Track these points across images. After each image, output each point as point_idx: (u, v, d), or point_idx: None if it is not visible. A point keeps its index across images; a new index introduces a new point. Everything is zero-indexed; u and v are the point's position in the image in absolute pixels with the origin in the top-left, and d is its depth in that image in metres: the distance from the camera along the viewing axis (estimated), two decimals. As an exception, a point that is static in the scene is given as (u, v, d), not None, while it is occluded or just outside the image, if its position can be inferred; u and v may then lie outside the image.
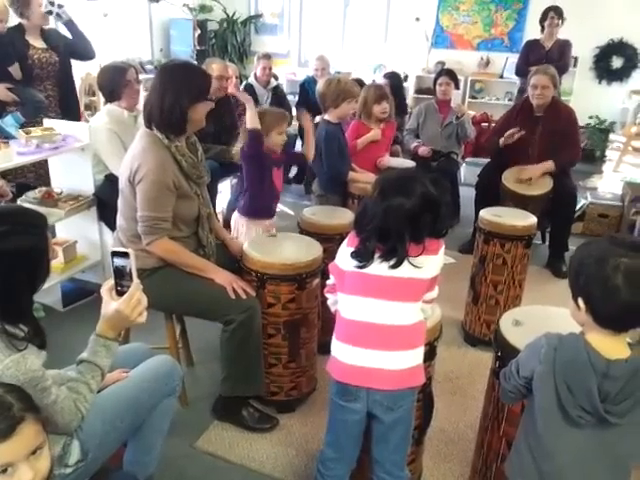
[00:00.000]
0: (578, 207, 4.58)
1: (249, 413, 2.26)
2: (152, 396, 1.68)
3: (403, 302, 1.53)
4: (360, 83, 4.20)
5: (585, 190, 5.04)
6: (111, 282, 1.47)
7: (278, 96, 5.33)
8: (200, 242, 2.20)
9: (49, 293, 3.01)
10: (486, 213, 2.81)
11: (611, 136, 5.93)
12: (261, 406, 2.31)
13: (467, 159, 5.68)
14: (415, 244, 1.53)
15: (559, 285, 3.68)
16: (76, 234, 3.17)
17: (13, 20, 3.45)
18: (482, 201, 3.76)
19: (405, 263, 1.52)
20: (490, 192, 3.76)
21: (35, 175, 3.38)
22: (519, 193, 3.58)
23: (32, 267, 1.33)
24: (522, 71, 5.16)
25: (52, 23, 3.79)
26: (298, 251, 2.23)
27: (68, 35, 3.71)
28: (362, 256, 1.55)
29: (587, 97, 6.77)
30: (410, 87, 7.36)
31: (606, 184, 5.22)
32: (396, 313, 1.52)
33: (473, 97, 7.30)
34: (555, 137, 3.72)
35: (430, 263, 1.55)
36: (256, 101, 5.14)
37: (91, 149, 2.99)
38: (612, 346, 1.22)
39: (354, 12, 7.70)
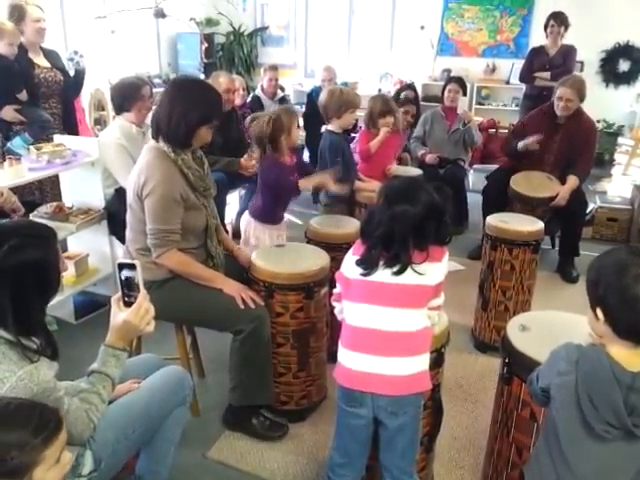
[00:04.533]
0: (587, 211, 4.58)
1: (259, 422, 2.27)
2: (163, 406, 1.71)
3: (407, 309, 1.55)
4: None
5: (594, 194, 5.03)
6: (119, 293, 1.50)
7: (285, 107, 5.38)
8: (209, 253, 2.23)
9: (62, 306, 3.05)
10: (493, 219, 2.82)
11: (619, 139, 5.91)
12: (271, 415, 2.33)
13: (475, 166, 5.68)
14: (419, 251, 1.55)
15: (569, 290, 3.67)
16: (87, 247, 3.22)
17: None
18: (490, 207, 3.77)
19: (409, 270, 1.54)
20: (498, 198, 3.77)
21: (40, 192, 3.43)
22: (528, 196, 3.58)
23: (43, 280, 1.36)
24: (525, 77, 5.17)
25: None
26: (305, 261, 2.25)
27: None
28: (367, 264, 1.57)
29: (594, 101, 6.67)
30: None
31: (615, 188, 5.20)
32: (400, 319, 1.54)
33: (480, 103, 7.30)
34: (573, 147, 3.72)
35: (434, 270, 1.57)
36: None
37: (101, 163, 3.03)
38: (634, 358, 1.20)
39: (359, 21, 7.76)
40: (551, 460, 1.32)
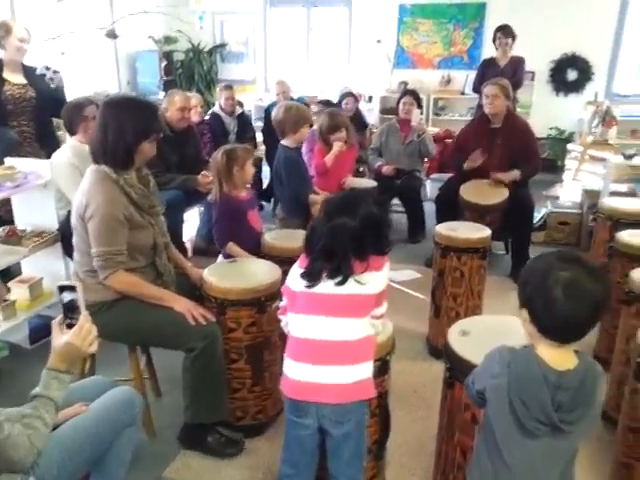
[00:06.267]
0: (540, 216, 4.73)
1: (215, 439, 2.27)
2: (112, 427, 1.70)
3: (350, 318, 1.59)
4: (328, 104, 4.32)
5: (547, 199, 5.19)
6: (60, 316, 1.51)
7: (244, 123, 5.43)
8: (158, 271, 2.24)
9: (16, 331, 3.00)
10: (441, 228, 2.90)
11: (569, 146, 6.12)
12: (227, 431, 2.33)
13: (432, 175, 5.81)
14: (359, 261, 1.60)
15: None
16: (42, 270, 3.18)
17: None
18: (443, 215, 3.87)
19: (350, 280, 1.58)
20: (450, 206, 3.87)
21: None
22: (477, 204, 3.69)
23: None
24: (478, 88, 5.32)
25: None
26: (257, 275, 2.28)
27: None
28: (311, 276, 1.61)
29: (546, 109, 6.98)
30: (375, 107, 7.52)
31: (567, 193, 5.37)
32: (342, 329, 1.58)
33: (436, 114, 7.47)
34: (513, 149, 3.87)
35: (375, 279, 1.62)
36: (224, 129, 5.25)
37: (53, 185, 3.02)
38: (560, 357, 1.25)
39: (317, 37, 7.88)
40: (489, 459, 1.37)
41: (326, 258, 1.59)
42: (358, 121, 5.55)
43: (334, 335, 1.58)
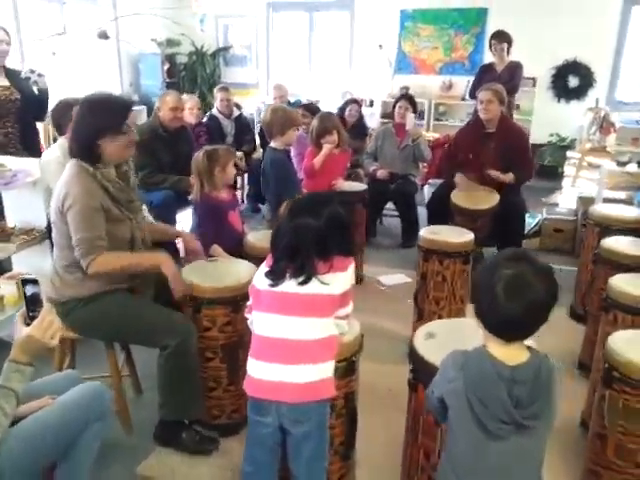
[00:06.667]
0: (534, 223, 4.72)
1: (190, 436, 2.28)
2: (77, 421, 1.72)
3: (311, 317, 1.60)
4: (311, 109, 4.34)
5: (545, 206, 5.18)
6: (23, 309, 1.53)
7: (242, 125, 5.46)
8: (131, 275, 2.22)
9: (3, 326, 3.04)
10: (425, 232, 2.90)
11: (568, 153, 6.11)
12: (203, 429, 2.34)
13: (430, 180, 5.81)
14: (323, 262, 1.61)
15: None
16: (32, 267, 3.21)
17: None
18: (434, 220, 3.88)
19: (314, 280, 1.59)
20: (441, 211, 3.88)
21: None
22: (467, 208, 3.69)
23: None
24: (474, 94, 5.33)
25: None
26: (233, 275, 2.29)
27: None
28: (274, 275, 1.63)
29: (547, 115, 6.98)
30: (376, 112, 7.53)
31: (565, 200, 5.36)
32: (304, 328, 1.59)
33: (437, 120, 7.48)
34: (507, 154, 3.87)
35: (338, 280, 1.63)
36: (221, 131, 5.28)
37: (43, 183, 3.05)
38: (511, 353, 1.26)
39: (319, 41, 7.92)
40: (453, 471, 1.36)
41: (289, 257, 1.60)
42: (360, 128, 5.56)
43: (295, 334, 1.59)
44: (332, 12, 7.78)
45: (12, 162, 3.05)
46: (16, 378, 1.52)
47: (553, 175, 6.66)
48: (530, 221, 4.78)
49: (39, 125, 4.15)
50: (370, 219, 4.68)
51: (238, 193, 5.74)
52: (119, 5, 6.81)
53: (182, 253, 4.12)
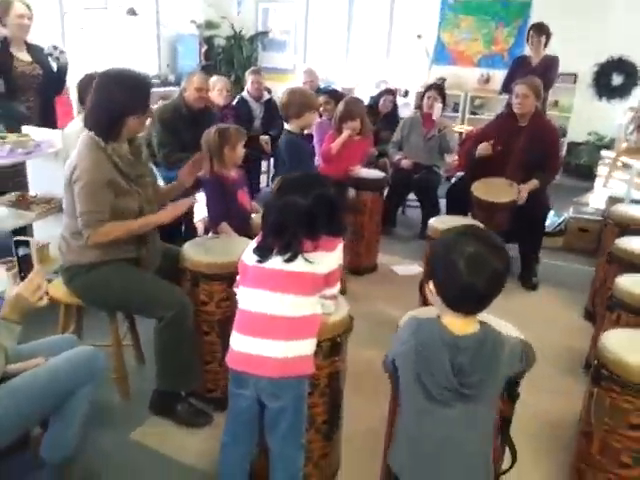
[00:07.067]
0: (559, 221, 4.60)
1: (184, 408, 2.33)
2: (67, 382, 1.78)
3: (295, 295, 1.61)
4: (335, 95, 4.33)
5: (576, 205, 5.04)
6: (16, 269, 1.59)
7: (271, 109, 5.48)
8: (141, 239, 2.27)
9: None
10: (433, 221, 2.87)
11: (602, 152, 5.90)
12: (198, 402, 2.39)
13: (458, 173, 5.71)
14: (310, 241, 1.61)
15: (527, 297, 3.70)
16: (50, 235, 3.32)
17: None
18: (452, 211, 3.82)
19: (300, 258, 1.60)
20: (460, 202, 3.82)
21: (12, 183, 3.55)
22: (487, 201, 3.61)
23: None
24: (508, 87, 5.20)
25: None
26: (232, 251, 2.31)
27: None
28: (262, 251, 1.65)
29: (587, 114, 6.77)
30: (411, 102, 7.44)
31: (595, 200, 5.20)
32: (286, 305, 1.60)
33: (473, 113, 7.35)
34: (535, 150, 3.77)
35: (325, 259, 1.64)
36: (249, 114, 5.32)
37: (64, 154, 3.14)
38: (462, 325, 1.33)
39: (358, 29, 7.86)
40: (405, 436, 1.41)
41: (277, 234, 1.62)
42: (393, 118, 5.51)
43: (276, 310, 1.60)
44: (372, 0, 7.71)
45: (35, 133, 3.15)
46: (5, 335, 1.58)
47: (588, 175, 6.46)
48: (555, 219, 4.67)
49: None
50: (391, 209, 4.66)
51: (264, 177, 5.79)
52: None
53: (201, 233, 4.21)
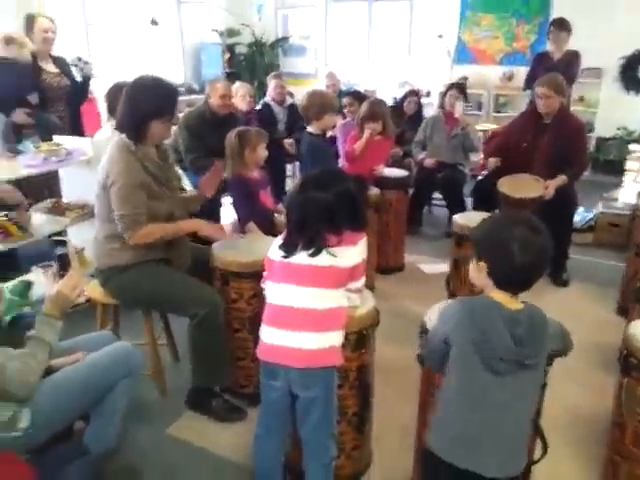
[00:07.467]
0: (589, 217, 4.55)
1: (219, 404, 2.39)
2: (106, 376, 1.85)
3: (320, 288, 1.65)
4: (358, 97, 4.37)
5: (605, 201, 4.97)
6: (55, 267, 1.67)
7: (294, 112, 5.54)
8: (168, 247, 2.34)
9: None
10: (458, 217, 2.88)
11: (631, 146, 5.81)
12: (232, 398, 2.45)
13: (484, 171, 5.69)
14: (334, 235, 1.65)
15: (558, 293, 3.68)
16: (84, 239, 3.42)
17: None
18: (479, 208, 3.82)
19: (324, 252, 1.65)
20: (487, 198, 3.81)
21: (48, 190, 3.68)
22: (514, 197, 3.59)
23: None
24: (530, 84, 5.17)
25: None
26: (260, 250, 2.35)
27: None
28: (287, 246, 1.70)
29: (614, 108, 6.67)
30: (433, 102, 7.43)
31: (625, 195, 5.12)
32: (312, 298, 1.64)
33: (497, 111, 7.30)
34: (561, 147, 3.74)
35: (348, 253, 1.68)
36: (273, 118, 5.39)
37: (95, 162, 3.24)
38: (511, 302, 1.40)
39: (378, 31, 7.89)
40: (453, 412, 1.43)
41: (300, 230, 1.66)
42: (418, 119, 5.51)
43: (303, 303, 1.64)
44: (391, 2, 7.73)
45: (67, 142, 3.26)
46: (48, 330, 1.66)
47: (618, 170, 6.35)
48: (585, 215, 4.63)
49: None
50: (416, 208, 4.67)
51: (289, 180, 5.85)
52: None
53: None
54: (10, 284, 2.62)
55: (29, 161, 3.02)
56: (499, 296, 1.41)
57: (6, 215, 2.86)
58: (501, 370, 1.35)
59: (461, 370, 1.41)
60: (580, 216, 4.51)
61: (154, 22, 6.52)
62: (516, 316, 1.37)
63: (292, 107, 5.54)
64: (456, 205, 4.60)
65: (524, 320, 1.37)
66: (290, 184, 5.86)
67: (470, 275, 1.48)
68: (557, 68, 4.85)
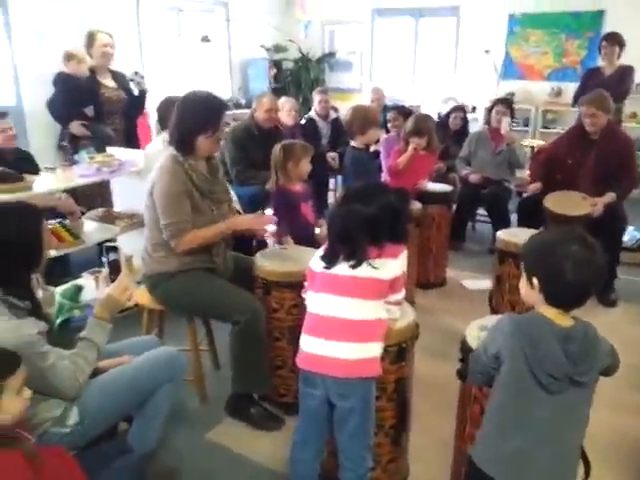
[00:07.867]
0: (639, 236, 4.42)
1: (257, 411, 2.43)
2: (150, 380, 1.91)
3: (360, 299, 1.67)
4: (403, 112, 4.39)
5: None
6: (106, 272, 1.74)
7: (337, 127, 5.59)
8: (211, 256, 2.39)
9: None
10: (502, 233, 2.85)
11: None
12: (270, 406, 2.48)
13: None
14: (375, 247, 1.67)
15: (606, 314, 3.57)
16: (136, 249, 3.54)
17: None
18: (524, 225, 3.75)
19: (365, 264, 1.67)
20: (533, 215, 3.75)
21: (101, 199, 3.83)
22: (561, 214, 3.53)
23: (26, 251, 1.61)
24: (578, 100, 5.08)
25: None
26: (301, 260, 2.39)
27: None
28: (329, 257, 1.72)
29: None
30: (479, 118, 7.37)
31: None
32: (353, 308, 1.66)
33: (545, 127, 7.18)
34: (609, 163, 3.67)
35: (389, 266, 1.69)
36: (317, 133, 5.46)
37: (146, 173, 3.36)
38: (563, 319, 1.39)
39: (424, 46, 7.90)
40: (499, 429, 1.42)
41: (341, 241, 1.69)
42: (463, 135, 5.47)
43: (344, 313, 1.66)
44: (438, 18, 7.74)
45: (121, 153, 3.39)
46: (98, 332, 1.73)
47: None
48: (635, 234, 4.49)
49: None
50: (460, 223, 4.63)
51: (331, 194, 5.89)
52: (231, 12, 7.26)
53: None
54: (61, 288, 2.76)
55: (83, 171, 3.15)
56: (550, 312, 1.40)
57: (60, 222, 3.01)
58: (553, 387, 1.34)
59: (511, 386, 1.40)
60: (629, 235, 4.37)
61: (205, 39, 6.71)
62: (568, 332, 1.36)
63: (336, 121, 5.60)
64: (500, 221, 4.53)
65: (577, 336, 1.36)
66: (333, 198, 5.91)
67: (521, 291, 1.47)
68: (608, 83, 4.76)
